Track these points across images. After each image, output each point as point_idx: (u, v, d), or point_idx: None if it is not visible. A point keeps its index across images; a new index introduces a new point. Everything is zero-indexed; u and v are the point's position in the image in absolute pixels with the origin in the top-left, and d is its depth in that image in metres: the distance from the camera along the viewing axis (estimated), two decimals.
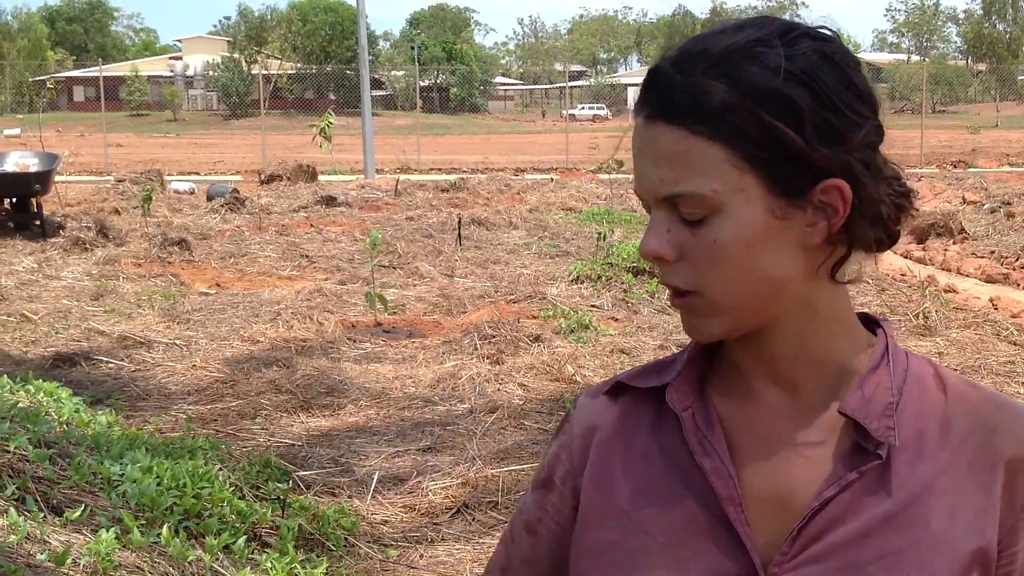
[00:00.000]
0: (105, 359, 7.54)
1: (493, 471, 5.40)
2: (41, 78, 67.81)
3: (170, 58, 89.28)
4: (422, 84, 70.65)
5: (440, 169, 30.10)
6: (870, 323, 1.12)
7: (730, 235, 1.00)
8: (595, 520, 1.13)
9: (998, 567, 1.03)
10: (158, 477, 3.99)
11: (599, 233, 11.86)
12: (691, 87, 0.99)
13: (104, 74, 37.14)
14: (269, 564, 3.75)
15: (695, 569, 1.05)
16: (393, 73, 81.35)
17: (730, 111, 0.98)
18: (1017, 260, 11.85)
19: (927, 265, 12.30)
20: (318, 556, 4.13)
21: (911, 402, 1.06)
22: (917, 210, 1.12)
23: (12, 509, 3.36)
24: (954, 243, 13.36)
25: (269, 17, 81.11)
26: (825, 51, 1.01)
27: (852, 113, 1.00)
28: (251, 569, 3.64)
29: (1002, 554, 1.03)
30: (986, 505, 1.03)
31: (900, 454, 1.03)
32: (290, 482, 4.92)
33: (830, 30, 1.04)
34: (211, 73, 73.76)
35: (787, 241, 1.02)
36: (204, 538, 3.71)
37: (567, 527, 1.17)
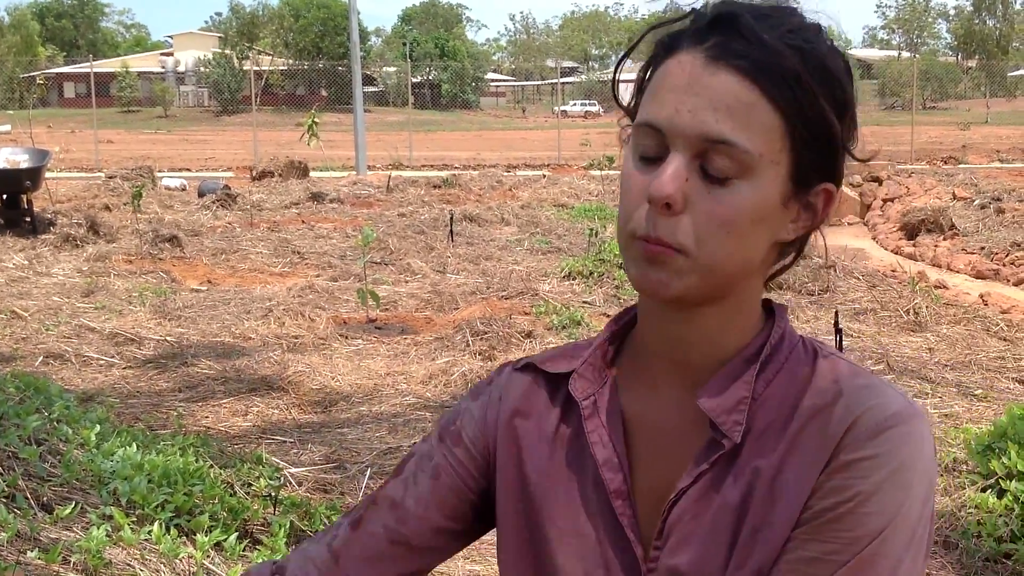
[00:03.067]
0: (96, 356, 7.52)
1: None
2: (32, 74, 67.61)
3: (161, 54, 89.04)
4: (414, 80, 70.50)
5: (432, 165, 30.06)
6: (771, 308, 1.13)
7: (748, 204, 1.00)
8: (509, 494, 1.16)
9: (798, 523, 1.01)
10: (149, 474, 3.98)
11: (591, 229, 11.87)
12: (768, 43, 0.99)
13: (95, 70, 37.02)
14: (260, 561, 3.75)
15: (589, 555, 1.09)
16: (385, 69, 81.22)
17: (799, 84, 0.99)
18: (1007, 256, 11.88)
19: (917, 261, 12.33)
20: None
21: (777, 392, 1.06)
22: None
23: (2, 506, 3.35)
24: (944, 239, 13.39)
25: (260, 13, 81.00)
26: (841, 55, 1.04)
27: (855, 127, 1.05)
28: (243, 566, 3.64)
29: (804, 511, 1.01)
30: (805, 484, 1.01)
31: (748, 445, 1.04)
32: (281, 479, 4.91)
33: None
34: (202, 69, 73.55)
35: (774, 229, 1.04)
36: (195, 535, 3.71)
37: (467, 483, 1.19)
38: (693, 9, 1.05)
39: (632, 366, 1.13)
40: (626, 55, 1.14)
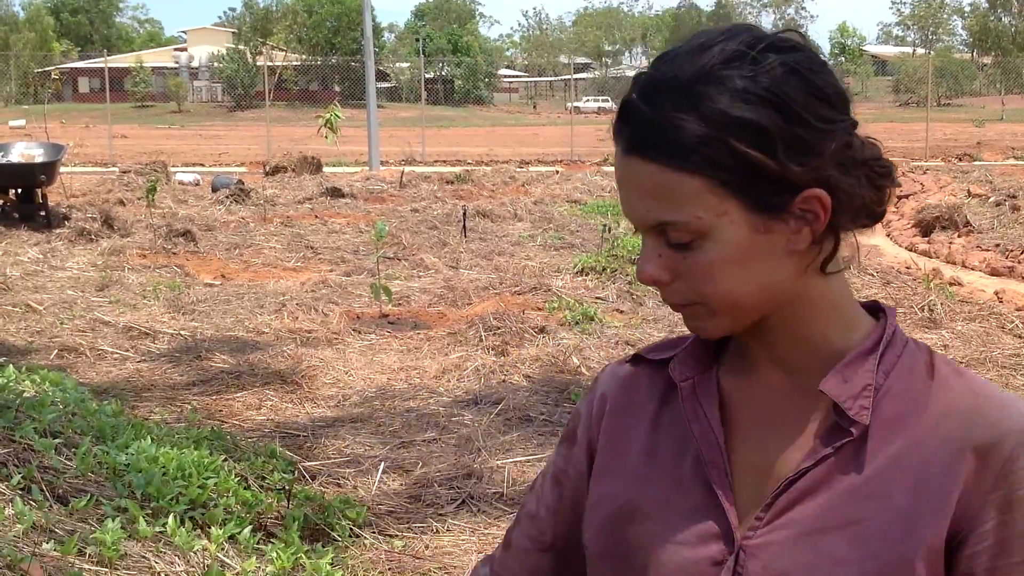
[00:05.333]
0: (110, 349, 7.54)
1: (498, 462, 5.40)
2: (46, 69, 67.82)
3: (175, 49, 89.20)
4: (427, 76, 70.50)
5: (445, 161, 30.08)
6: (878, 310, 1.17)
7: (718, 255, 1.05)
8: (603, 476, 1.24)
9: (965, 548, 1.05)
10: (164, 467, 3.99)
11: (604, 225, 11.85)
12: (662, 122, 1.03)
13: (109, 65, 37.13)
14: (275, 554, 3.76)
15: (681, 527, 1.13)
16: (398, 65, 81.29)
17: (702, 144, 1.02)
18: (1022, 253, 11.82)
19: (932, 258, 12.27)
20: (323, 546, 4.13)
21: (897, 386, 1.10)
22: (899, 184, 1.18)
23: (18, 498, 3.37)
24: (959, 236, 13.33)
25: (274, 8, 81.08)
26: (790, 63, 1.04)
27: (822, 123, 1.03)
28: (257, 559, 3.64)
29: (970, 534, 1.05)
30: (948, 487, 1.05)
31: (875, 433, 1.08)
32: (295, 472, 4.92)
33: (798, 33, 1.08)
34: (216, 64, 73.70)
35: (774, 250, 1.07)
36: (210, 528, 3.72)
37: (585, 479, 1.27)
38: (635, 76, 1.10)
39: (735, 355, 1.19)
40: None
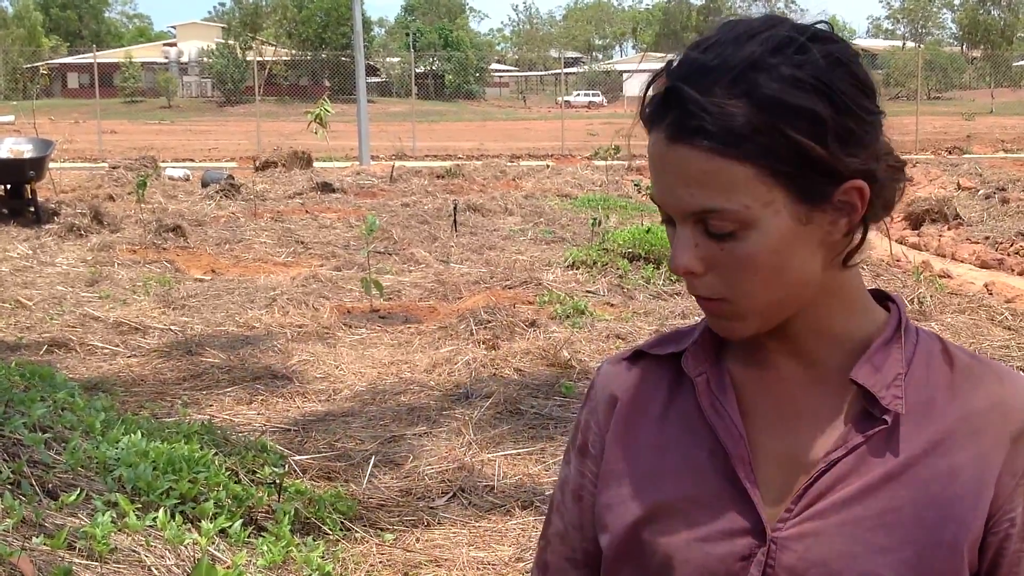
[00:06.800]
0: (100, 345, 7.53)
1: (489, 455, 5.40)
2: (35, 65, 67.56)
3: (164, 45, 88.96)
4: (417, 71, 70.41)
5: (435, 156, 30.05)
6: (883, 298, 1.17)
7: (760, 247, 1.04)
8: (615, 477, 1.21)
9: (994, 530, 1.07)
10: (154, 461, 3.99)
11: (594, 219, 11.85)
12: (714, 109, 1.00)
13: (98, 61, 37.02)
14: (265, 548, 3.76)
15: (706, 524, 1.11)
16: (388, 60, 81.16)
17: (757, 131, 1.00)
18: (1012, 246, 11.86)
19: (922, 251, 12.31)
20: (314, 540, 4.13)
21: (919, 373, 1.11)
22: (910, 179, 1.18)
23: (8, 493, 3.36)
24: (949, 229, 13.37)
25: (264, 3, 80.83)
26: (834, 53, 1.03)
27: (865, 113, 1.03)
28: (247, 552, 3.64)
29: (1000, 518, 1.06)
30: (986, 473, 1.06)
31: (906, 421, 1.08)
32: (286, 466, 4.92)
33: (828, 24, 1.07)
34: (206, 60, 73.49)
35: (811, 242, 1.06)
36: (200, 522, 3.71)
37: None
38: (668, 63, 1.07)
39: (743, 346, 1.17)
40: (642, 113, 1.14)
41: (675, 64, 1.05)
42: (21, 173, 14.13)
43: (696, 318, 1.30)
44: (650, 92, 1.07)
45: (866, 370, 1.09)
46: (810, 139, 1.00)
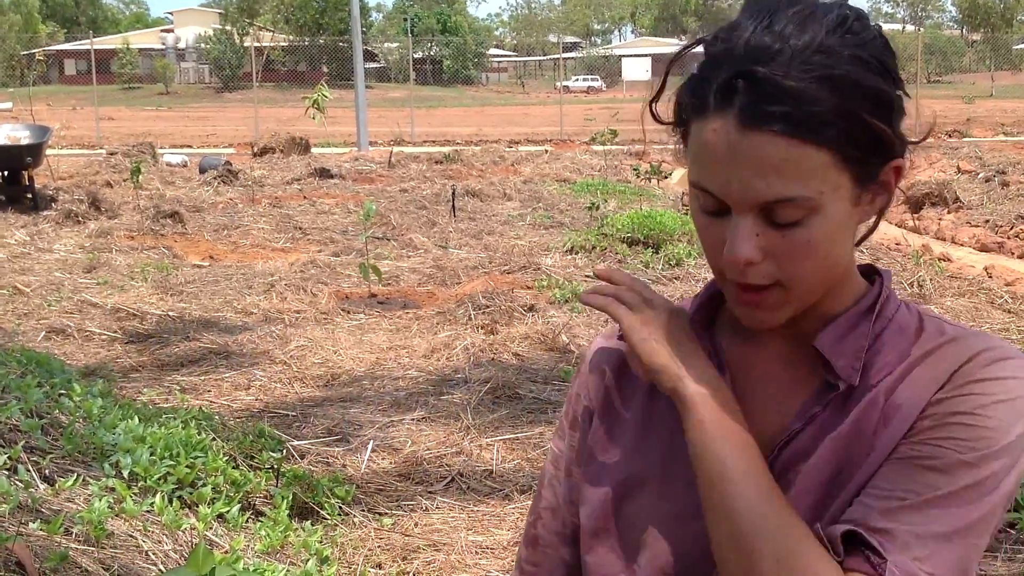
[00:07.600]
0: (98, 331, 7.51)
1: (487, 440, 5.40)
2: (32, 51, 67.36)
3: (162, 31, 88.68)
4: (415, 56, 70.27)
5: (434, 141, 29.99)
6: (872, 273, 1.17)
7: (824, 232, 1.02)
8: (599, 448, 1.22)
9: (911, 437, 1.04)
10: (151, 447, 3.98)
11: (593, 204, 11.83)
12: (791, 93, 0.96)
13: (95, 47, 36.86)
14: (263, 532, 3.75)
15: (680, 498, 1.12)
16: (386, 45, 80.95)
17: (838, 115, 0.97)
18: (1011, 229, 11.84)
19: (922, 234, 12.29)
20: (312, 525, 4.13)
21: (887, 348, 1.09)
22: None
23: (4, 478, 3.35)
24: (949, 212, 13.34)
25: None
26: (878, 32, 1.03)
27: (904, 93, 1.03)
28: (245, 537, 3.64)
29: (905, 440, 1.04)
30: (917, 408, 1.04)
31: (863, 392, 1.07)
32: (284, 451, 4.91)
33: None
34: (203, 46, 73.32)
35: (854, 224, 1.06)
36: (198, 507, 3.71)
37: None
38: (702, 38, 1.04)
39: (732, 321, 1.16)
40: (656, 98, 1.13)
41: (730, 47, 1.00)
42: (19, 160, 14.11)
43: None
44: (693, 78, 1.03)
45: (829, 339, 1.08)
46: (881, 121, 0.99)
